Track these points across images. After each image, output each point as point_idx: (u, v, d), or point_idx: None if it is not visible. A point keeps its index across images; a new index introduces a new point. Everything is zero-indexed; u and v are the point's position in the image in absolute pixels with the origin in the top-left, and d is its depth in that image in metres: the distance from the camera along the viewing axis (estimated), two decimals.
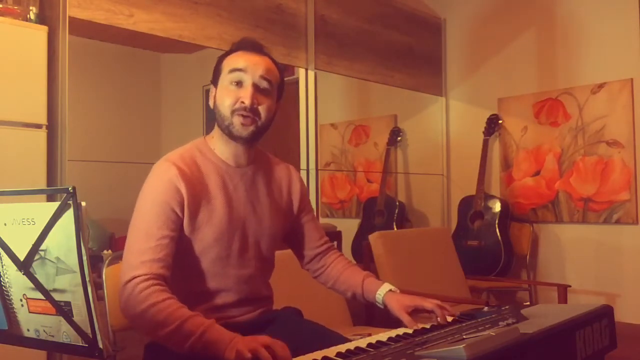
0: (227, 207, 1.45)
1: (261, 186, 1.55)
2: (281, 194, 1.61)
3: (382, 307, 1.55)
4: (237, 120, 1.42)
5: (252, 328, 1.42)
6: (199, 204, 1.41)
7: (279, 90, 1.51)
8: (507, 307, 1.51)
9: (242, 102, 1.41)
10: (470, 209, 4.05)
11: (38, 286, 1.03)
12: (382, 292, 1.54)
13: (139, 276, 1.29)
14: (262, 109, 1.44)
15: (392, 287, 1.55)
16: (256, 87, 1.43)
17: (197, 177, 1.44)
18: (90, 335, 0.99)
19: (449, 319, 1.44)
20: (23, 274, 1.04)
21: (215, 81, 1.50)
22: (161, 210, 1.36)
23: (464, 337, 1.19)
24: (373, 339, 1.24)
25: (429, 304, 1.46)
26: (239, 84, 1.43)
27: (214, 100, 1.48)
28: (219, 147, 1.50)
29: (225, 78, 1.45)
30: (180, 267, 1.42)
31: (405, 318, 1.44)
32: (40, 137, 2.41)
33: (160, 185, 1.39)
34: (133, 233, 1.37)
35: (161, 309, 1.25)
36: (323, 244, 1.69)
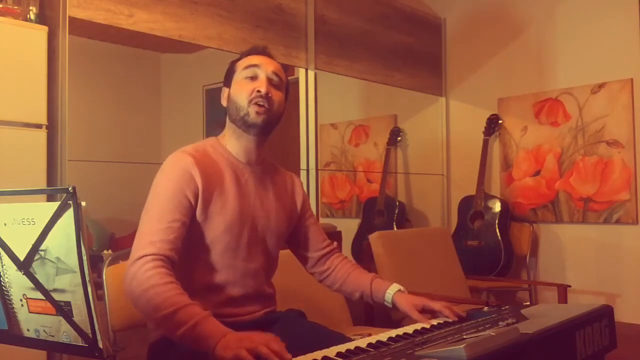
0: (238, 199, 1.50)
1: (268, 185, 1.61)
2: (286, 195, 1.66)
3: (390, 306, 1.60)
4: (252, 110, 1.49)
5: (256, 328, 1.42)
6: (213, 193, 1.46)
7: (286, 90, 1.60)
8: (507, 307, 1.51)
9: (259, 91, 1.49)
10: (470, 209, 4.05)
11: (38, 286, 1.03)
12: (392, 291, 1.59)
13: (146, 255, 1.31)
14: (275, 99, 1.53)
15: (401, 287, 1.60)
16: (270, 80, 1.53)
17: (212, 167, 1.49)
18: (90, 335, 0.99)
19: (460, 313, 1.47)
20: (23, 274, 1.04)
21: (228, 82, 1.58)
22: (174, 195, 1.40)
23: (464, 337, 1.18)
24: (373, 339, 1.24)
25: (436, 305, 1.50)
26: (253, 78, 1.53)
27: (228, 97, 1.56)
28: (231, 144, 1.56)
29: (240, 74, 1.54)
30: (190, 259, 1.44)
31: (415, 315, 1.48)
32: (40, 137, 2.41)
33: (175, 172, 1.43)
34: (145, 216, 1.40)
35: (160, 292, 1.26)
36: (326, 247, 1.73)
